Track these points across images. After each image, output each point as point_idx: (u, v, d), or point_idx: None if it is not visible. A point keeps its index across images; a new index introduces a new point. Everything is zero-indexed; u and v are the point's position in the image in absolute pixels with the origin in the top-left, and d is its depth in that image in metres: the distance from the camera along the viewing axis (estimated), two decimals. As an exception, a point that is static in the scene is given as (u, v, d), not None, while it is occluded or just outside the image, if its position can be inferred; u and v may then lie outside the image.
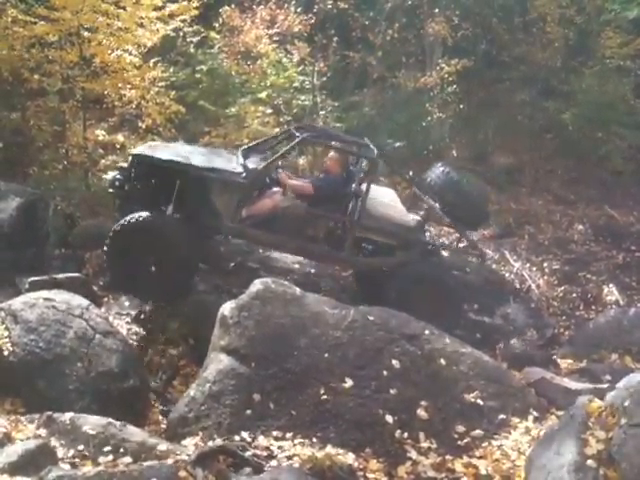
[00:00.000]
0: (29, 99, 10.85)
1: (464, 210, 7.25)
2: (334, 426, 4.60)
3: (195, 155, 6.94)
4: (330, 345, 5.01)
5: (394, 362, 4.93)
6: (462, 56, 11.81)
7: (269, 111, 11.28)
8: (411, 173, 8.59)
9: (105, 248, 6.51)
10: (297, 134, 7.06)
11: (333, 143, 7.47)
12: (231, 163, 6.80)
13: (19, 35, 10.00)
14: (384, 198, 7.42)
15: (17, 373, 5.07)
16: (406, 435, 4.59)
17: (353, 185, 7.11)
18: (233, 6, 12.51)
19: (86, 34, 10.16)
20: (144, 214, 6.34)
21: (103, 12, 10.02)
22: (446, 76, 11.69)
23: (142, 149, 7.04)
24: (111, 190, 6.92)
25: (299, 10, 11.84)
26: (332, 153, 7.32)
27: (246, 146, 7.71)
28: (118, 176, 6.92)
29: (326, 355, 4.95)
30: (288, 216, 6.77)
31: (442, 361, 5.03)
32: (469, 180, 7.71)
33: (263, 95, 11.58)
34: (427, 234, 7.58)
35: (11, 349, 5.14)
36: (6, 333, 5.23)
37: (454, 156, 11.80)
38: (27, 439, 4.02)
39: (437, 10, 12.15)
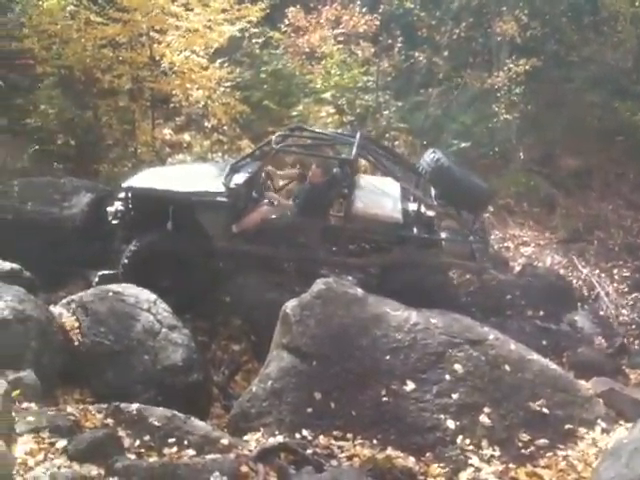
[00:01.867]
0: (100, 98, 11.18)
1: (460, 195, 7.06)
2: (395, 429, 4.56)
3: (181, 179, 7.07)
4: (391, 347, 4.98)
5: (457, 367, 4.86)
6: (530, 56, 11.53)
7: (332, 111, 11.30)
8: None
9: (122, 269, 6.66)
10: (273, 145, 7.06)
11: (311, 148, 7.51)
12: (216, 182, 6.84)
13: (91, 36, 10.34)
14: (377, 193, 7.27)
15: (86, 363, 5.26)
16: (468, 441, 4.51)
17: (340, 187, 7.05)
18: (298, 7, 12.58)
19: (155, 35, 10.43)
20: (151, 234, 6.60)
21: (172, 14, 10.27)
22: (514, 76, 11.43)
23: (132, 181, 7.15)
24: (115, 222, 7.09)
25: (364, 10, 11.80)
26: (314, 164, 7.23)
27: (237, 159, 7.70)
28: (120, 207, 7.09)
29: (387, 357, 4.92)
30: (277, 227, 6.83)
31: (507, 367, 4.93)
32: (460, 165, 7.53)
33: (327, 95, 11.62)
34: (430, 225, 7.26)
35: (81, 340, 5.33)
36: (77, 324, 5.43)
37: (521, 158, 11.55)
38: (95, 428, 4.13)
39: (505, 9, 11.89)
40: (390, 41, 11.97)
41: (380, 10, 11.74)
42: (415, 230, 6.97)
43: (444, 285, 7.00)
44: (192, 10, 10.23)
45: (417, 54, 11.94)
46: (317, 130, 8.12)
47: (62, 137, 10.46)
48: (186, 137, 12.10)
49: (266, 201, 7.13)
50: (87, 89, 11.08)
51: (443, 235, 7.06)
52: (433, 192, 7.43)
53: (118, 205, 7.12)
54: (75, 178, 8.48)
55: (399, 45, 11.93)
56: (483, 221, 7.45)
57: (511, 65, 11.47)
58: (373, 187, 7.37)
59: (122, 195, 7.11)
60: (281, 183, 8.13)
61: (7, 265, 6.15)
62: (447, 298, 6.41)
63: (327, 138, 7.69)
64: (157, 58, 10.50)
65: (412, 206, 7.25)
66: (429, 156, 7.38)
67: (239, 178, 6.91)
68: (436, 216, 7.15)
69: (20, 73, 11.44)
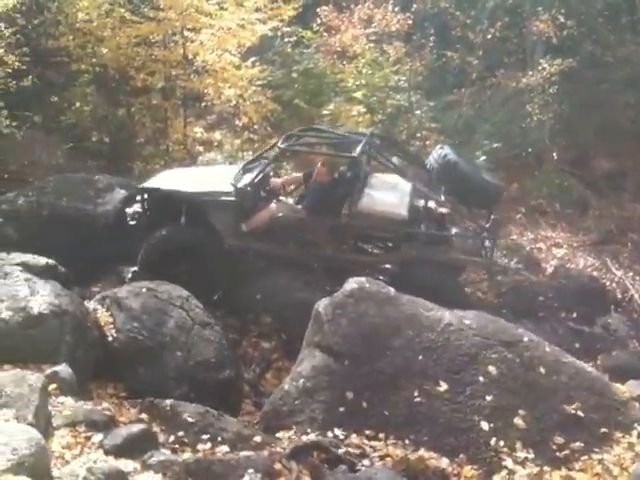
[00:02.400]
0: (133, 96, 11.32)
1: (468, 192, 7.02)
2: (427, 429, 4.52)
3: (194, 180, 7.28)
4: (424, 347, 4.93)
5: (490, 368, 4.80)
6: (564, 56, 11.39)
7: (363, 110, 11.27)
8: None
9: (139, 264, 6.88)
10: (279, 145, 7.18)
11: (317, 147, 7.60)
12: (226, 183, 6.97)
13: (126, 34, 10.46)
14: (386, 191, 7.24)
15: (119, 358, 5.31)
16: (502, 443, 4.45)
17: (347, 185, 7.04)
18: (331, 6, 12.58)
19: (189, 34, 10.51)
20: (166, 229, 6.80)
21: (206, 13, 10.35)
22: (548, 76, 11.28)
23: (147, 182, 7.37)
24: (132, 222, 7.28)
25: (397, 9, 11.75)
26: (319, 162, 7.30)
27: (249, 159, 7.87)
28: (137, 209, 7.29)
29: (420, 357, 4.87)
30: (285, 225, 6.90)
31: (541, 370, 4.85)
32: (469, 161, 7.48)
33: (358, 94, 11.60)
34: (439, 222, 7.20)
35: (115, 335, 5.39)
36: (111, 319, 5.49)
37: (554, 159, 11.41)
38: (130, 423, 4.17)
39: (541, 9, 11.74)
40: (423, 40, 11.90)
41: (413, 9, 11.68)
42: (423, 227, 6.95)
43: (455, 283, 6.97)
44: (226, 9, 10.29)
45: (450, 53, 11.86)
46: (326, 129, 8.15)
47: (96, 134, 10.63)
48: (217, 135, 12.21)
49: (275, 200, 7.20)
50: (121, 87, 11.22)
51: (452, 232, 7.06)
52: (443, 189, 7.40)
53: (135, 206, 7.31)
54: (109, 175, 8.59)
55: (432, 44, 11.86)
56: (494, 218, 7.33)
57: (545, 65, 11.34)
58: (383, 185, 7.37)
59: (138, 197, 7.31)
60: (289, 187, 8.12)
61: (42, 260, 6.22)
62: (458, 296, 6.39)
63: (335, 137, 7.77)
64: (190, 57, 10.61)
65: (423, 203, 7.18)
66: (437, 152, 7.37)
67: (247, 178, 7.05)
68: (448, 213, 7.11)
69: (55, 71, 11.62)
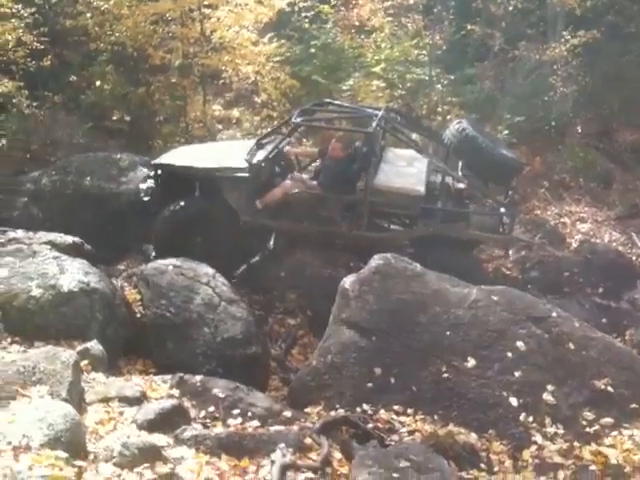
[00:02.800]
0: (152, 75, 11.28)
1: (486, 166, 6.88)
2: (456, 405, 4.52)
3: (207, 156, 7.17)
4: (452, 323, 4.91)
5: (519, 344, 4.77)
6: (587, 28, 11.17)
7: (383, 85, 11.16)
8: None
9: (154, 238, 6.87)
10: (293, 119, 7.08)
11: (331, 121, 7.50)
12: (239, 158, 6.89)
13: (143, 12, 10.39)
14: (402, 166, 7.16)
15: (148, 335, 5.37)
16: (531, 419, 4.44)
17: (363, 160, 6.92)
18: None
19: (206, 11, 10.42)
20: (180, 201, 6.75)
21: (223, -11, 10.25)
22: (571, 48, 11.08)
23: (161, 158, 7.32)
24: (146, 198, 7.19)
25: (415, -19, 11.58)
26: (334, 138, 7.21)
27: (261, 135, 7.75)
28: (150, 185, 7.22)
29: (448, 333, 4.86)
30: (300, 202, 6.81)
31: (570, 345, 4.82)
32: (487, 135, 7.33)
33: (377, 69, 11.48)
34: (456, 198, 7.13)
35: (143, 312, 5.44)
36: (139, 297, 5.53)
37: (578, 132, 11.25)
38: (161, 398, 4.21)
39: (563, -21, 11.50)
40: (443, 13, 11.73)
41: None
42: (440, 203, 6.87)
43: (471, 260, 6.90)
44: (243, -16, 10.19)
45: (470, 26, 11.67)
46: (340, 104, 8.04)
47: (116, 113, 10.61)
48: (236, 113, 12.14)
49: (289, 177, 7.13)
50: (139, 65, 11.20)
51: (470, 208, 6.97)
52: (460, 164, 7.32)
53: (149, 182, 7.27)
54: (130, 154, 8.60)
55: (452, 17, 11.68)
56: (512, 193, 7.26)
57: (568, 37, 11.13)
58: (399, 160, 7.29)
59: (152, 172, 7.27)
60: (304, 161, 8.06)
61: (69, 239, 6.27)
62: (475, 273, 6.29)
63: (350, 112, 7.66)
64: (207, 34, 10.52)
65: (440, 179, 7.07)
66: (454, 126, 7.24)
67: (261, 154, 6.97)
68: (466, 189, 7.01)
69: (74, 50, 11.61)
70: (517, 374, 4.64)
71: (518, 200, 7.83)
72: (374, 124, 6.82)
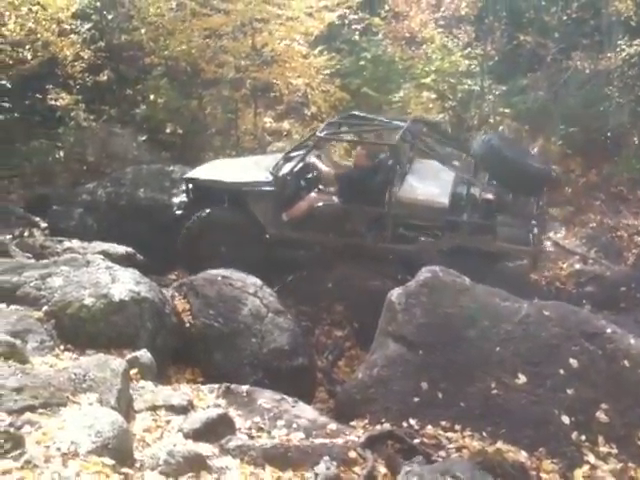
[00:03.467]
0: (204, 88, 11.51)
1: (512, 177, 6.76)
2: (505, 422, 4.41)
3: (236, 170, 7.33)
4: (502, 339, 4.80)
5: (572, 361, 4.63)
6: (643, 36, 10.88)
7: (433, 97, 11.10)
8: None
9: (180, 242, 7.06)
10: (317, 133, 7.12)
11: (358, 134, 7.51)
12: (266, 172, 7.04)
13: (196, 27, 10.62)
14: (428, 178, 7.11)
15: (196, 344, 5.41)
16: (583, 438, 4.30)
17: (388, 172, 6.91)
18: (399, -9, 12.42)
19: (257, 25, 10.57)
20: (208, 209, 6.96)
21: (274, 3, 10.38)
22: (627, 58, 10.80)
23: (192, 173, 7.47)
24: (179, 212, 7.39)
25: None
26: (359, 147, 7.23)
27: (289, 149, 7.83)
28: (183, 199, 7.42)
29: (497, 349, 4.75)
30: (324, 214, 6.85)
31: (626, 362, 4.64)
32: (514, 146, 7.23)
33: (427, 80, 11.43)
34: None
35: (192, 321, 5.49)
36: (188, 306, 5.60)
37: (634, 142, 10.93)
38: (208, 408, 4.24)
39: (620, -12, 11.23)
40: (495, 23, 11.60)
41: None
42: (466, 215, 6.78)
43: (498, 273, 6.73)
44: (292, -1, 10.30)
45: (523, 36, 11.50)
46: (366, 116, 8.05)
47: (169, 126, 10.84)
48: (286, 125, 12.25)
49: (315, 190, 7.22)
50: (192, 79, 11.43)
51: (497, 220, 6.82)
52: (487, 176, 7.26)
53: (181, 197, 7.46)
54: (183, 166, 8.76)
55: (503, 27, 11.54)
56: (542, 204, 7.14)
57: (624, 46, 10.85)
58: (426, 172, 7.25)
59: (184, 187, 7.45)
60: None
61: (121, 249, 6.44)
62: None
63: (375, 124, 7.71)
64: (259, 47, 10.67)
65: (466, 191, 7.01)
66: (481, 138, 7.20)
67: (287, 167, 7.06)
68: (494, 201, 6.93)
69: (129, 65, 11.94)
70: (569, 391, 4.50)
71: (548, 210, 7.67)
72: (397, 136, 6.86)
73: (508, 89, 11.57)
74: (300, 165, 7.11)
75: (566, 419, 4.37)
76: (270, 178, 6.92)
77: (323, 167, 7.47)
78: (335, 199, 7.04)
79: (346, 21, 12.31)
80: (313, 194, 7.08)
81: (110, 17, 11.37)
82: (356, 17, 12.39)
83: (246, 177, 7.08)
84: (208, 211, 6.98)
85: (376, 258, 7.07)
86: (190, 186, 7.35)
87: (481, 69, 11.49)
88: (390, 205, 6.70)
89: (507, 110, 11.20)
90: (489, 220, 6.80)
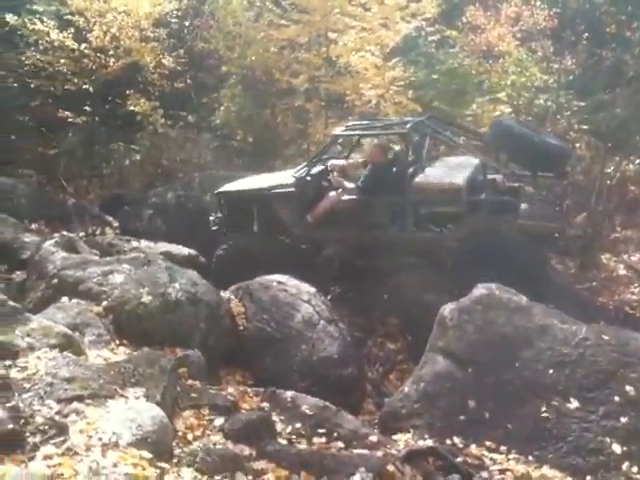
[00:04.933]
0: (278, 98, 11.70)
1: (528, 155, 6.66)
2: (553, 447, 4.27)
3: (261, 180, 7.55)
4: (556, 361, 4.65)
5: (628, 388, 4.43)
6: None
7: (508, 111, 10.88)
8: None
9: (213, 264, 7.17)
10: (334, 132, 7.29)
11: (370, 131, 7.70)
12: (289, 177, 7.23)
13: (273, 37, 10.84)
14: (445, 167, 7.15)
15: (248, 347, 5.52)
16: (635, 469, 4.10)
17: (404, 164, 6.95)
18: (477, 5, 12.26)
19: (332, 36, 10.68)
20: (236, 238, 7.19)
21: (349, 14, 10.47)
22: None
23: (222, 187, 7.62)
24: (214, 228, 7.52)
25: (545, 6, 11.22)
26: (373, 144, 7.39)
27: (313, 155, 7.96)
28: (217, 215, 7.56)
29: (551, 371, 4.61)
30: (346, 211, 6.95)
31: (687, 395, 4.43)
32: (529, 126, 7.18)
33: (502, 94, 11.21)
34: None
35: (245, 325, 5.60)
36: (242, 310, 5.71)
37: None
38: (251, 410, 4.30)
39: None
40: (573, 38, 11.27)
41: (560, 4, 11.10)
42: (484, 195, 6.71)
43: (527, 248, 6.54)
44: (368, 9, 10.34)
45: (604, 52, 11.13)
46: (382, 118, 8.34)
47: (241, 134, 11.09)
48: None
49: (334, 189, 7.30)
50: (267, 89, 11.64)
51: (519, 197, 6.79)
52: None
53: (216, 213, 7.63)
54: (252, 173, 8.94)
55: (584, 42, 11.20)
56: (565, 182, 7.18)
57: None
58: (447, 164, 7.32)
59: (216, 202, 7.62)
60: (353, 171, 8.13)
61: (185, 250, 6.63)
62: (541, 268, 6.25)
63: (390, 122, 7.93)
64: (333, 58, 10.77)
65: (483, 174, 6.90)
66: (494, 122, 7.27)
67: (308, 170, 7.26)
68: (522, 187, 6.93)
69: (208, 73, 12.31)
70: (623, 420, 4.31)
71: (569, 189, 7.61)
72: (409, 125, 6.99)
73: (587, 105, 11.20)
74: (319, 166, 7.37)
75: (618, 448, 4.19)
76: (291, 181, 7.16)
77: (342, 162, 7.66)
78: (352, 192, 7.14)
79: (422, 33, 12.24)
80: (333, 193, 7.17)
81: (190, 25, 11.76)
82: (433, 29, 12.31)
83: (270, 182, 7.33)
84: (237, 242, 7.21)
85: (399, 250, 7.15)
86: (222, 201, 7.52)
87: (558, 84, 11.17)
88: (408, 192, 6.75)
89: (585, 127, 10.85)
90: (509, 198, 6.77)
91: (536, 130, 7.42)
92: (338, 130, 7.55)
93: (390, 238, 6.94)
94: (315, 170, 7.33)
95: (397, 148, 7.48)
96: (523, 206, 6.79)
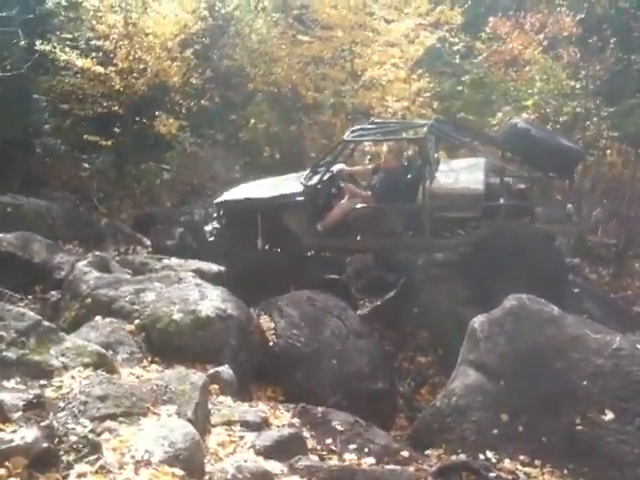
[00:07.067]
0: (305, 113, 11.79)
1: (541, 156, 6.61)
2: (589, 460, 4.20)
3: (265, 188, 7.33)
4: (590, 372, 4.58)
5: (665, 399, 4.35)
6: None
7: (532, 118, 10.78)
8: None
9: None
10: (343, 138, 7.21)
11: (383, 134, 7.55)
12: (296, 185, 7.00)
13: (297, 54, 10.95)
14: (459, 171, 7.05)
15: (279, 363, 5.52)
16: (674, 482, 4.02)
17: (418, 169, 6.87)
18: (500, 14, 12.23)
19: (356, 50, 10.76)
20: (243, 255, 6.96)
21: (372, 28, 10.54)
22: None
23: (221, 196, 7.47)
24: (211, 239, 7.38)
25: (571, 13, 11.13)
26: (385, 149, 7.25)
27: (316, 162, 7.83)
28: (216, 225, 7.40)
29: (585, 383, 4.54)
30: (359, 219, 6.82)
31: None
32: (542, 129, 7.17)
33: (529, 102, 11.14)
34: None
35: (275, 340, 5.62)
36: (272, 325, 5.73)
37: None
38: (282, 426, 4.31)
39: None
40: (600, 44, 11.15)
41: (585, 10, 11.01)
42: (502, 200, 6.64)
43: (546, 250, 6.53)
44: (390, 22, 10.39)
45: (631, 57, 10.99)
46: (388, 120, 8.16)
47: (268, 150, 11.19)
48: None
49: (346, 197, 7.18)
50: (293, 104, 11.76)
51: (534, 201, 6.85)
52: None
53: (214, 223, 7.51)
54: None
55: (611, 47, 11.07)
56: (577, 183, 7.18)
57: None
58: (455, 169, 7.22)
59: (215, 213, 7.54)
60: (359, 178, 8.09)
61: (215, 267, 6.69)
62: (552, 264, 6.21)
63: (399, 126, 7.85)
64: (357, 72, 10.84)
65: (499, 179, 6.85)
66: (507, 124, 7.20)
67: (316, 177, 7.11)
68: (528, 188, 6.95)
69: (235, 90, 12.47)
70: (661, 432, 4.23)
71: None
72: (424, 129, 6.90)
73: (616, 110, 11.04)
74: (328, 174, 7.19)
75: (656, 461, 4.11)
76: (299, 189, 6.99)
77: (345, 167, 7.54)
78: (365, 197, 7.07)
79: (446, 44, 12.25)
80: (344, 201, 7.08)
81: (216, 44, 11.92)
82: (456, 40, 12.32)
83: (277, 191, 7.13)
84: (242, 261, 6.95)
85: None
86: (221, 211, 7.36)
87: (586, 90, 11.05)
88: (425, 199, 6.67)
89: (615, 133, 10.70)
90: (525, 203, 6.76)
91: (549, 132, 7.39)
92: (348, 135, 7.39)
93: (406, 245, 6.91)
94: (323, 177, 7.16)
95: (410, 153, 7.39)
96: (538, 209, 6.77)
